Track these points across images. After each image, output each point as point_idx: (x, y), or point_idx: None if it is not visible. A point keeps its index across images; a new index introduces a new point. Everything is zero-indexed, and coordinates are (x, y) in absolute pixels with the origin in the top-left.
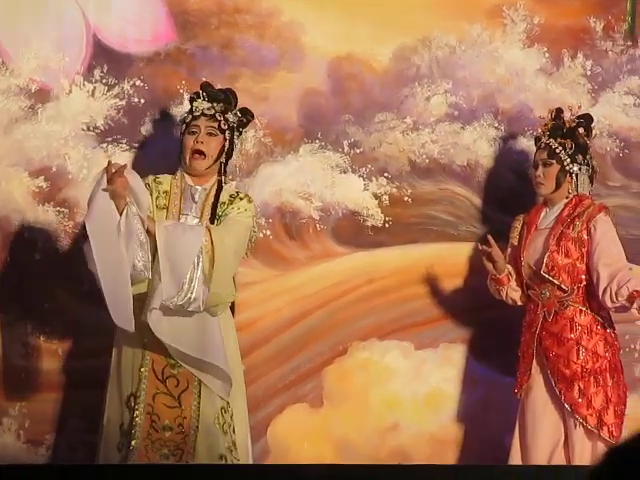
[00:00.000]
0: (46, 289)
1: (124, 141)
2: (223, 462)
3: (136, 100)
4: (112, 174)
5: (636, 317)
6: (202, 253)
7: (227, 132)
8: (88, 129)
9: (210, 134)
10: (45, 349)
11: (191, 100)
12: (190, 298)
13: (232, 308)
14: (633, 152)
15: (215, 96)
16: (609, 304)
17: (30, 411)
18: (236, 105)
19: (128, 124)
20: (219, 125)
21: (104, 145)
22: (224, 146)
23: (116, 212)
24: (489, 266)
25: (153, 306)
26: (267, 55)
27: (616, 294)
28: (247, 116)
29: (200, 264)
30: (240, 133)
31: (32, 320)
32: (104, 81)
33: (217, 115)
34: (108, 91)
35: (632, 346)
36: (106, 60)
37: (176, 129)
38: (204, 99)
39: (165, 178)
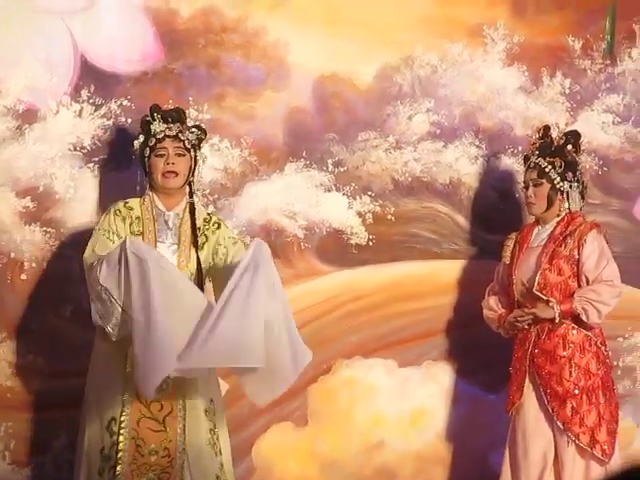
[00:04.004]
0: (32, 309)
1: (111, 161)
2: None
3: (123, 120)
4: None
5: (618, 334)
6: None
7: (191, 151)
8: (75, 149)
9: (178, 154)
10: (31, 369)
11: (147, 123)
12: None
13: None
14: (612, 170)
15: (168, 117)
16: None
17: (16, 432)
18: (187, 122)
19: (115, 144)
20: (184, 145)
21: (91, 165)
22: (191, 165)
23: None
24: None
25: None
26: (253, 74)
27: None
28: (202, 132)
29: None
30: (199, 149)
31: (18, 340)
32: (91, 101)
33: (180, 135)
34: (95, 111)
35: (615, 363)
36: (93, 80)
37: None
38: (159, 121)
39: (134, 202)
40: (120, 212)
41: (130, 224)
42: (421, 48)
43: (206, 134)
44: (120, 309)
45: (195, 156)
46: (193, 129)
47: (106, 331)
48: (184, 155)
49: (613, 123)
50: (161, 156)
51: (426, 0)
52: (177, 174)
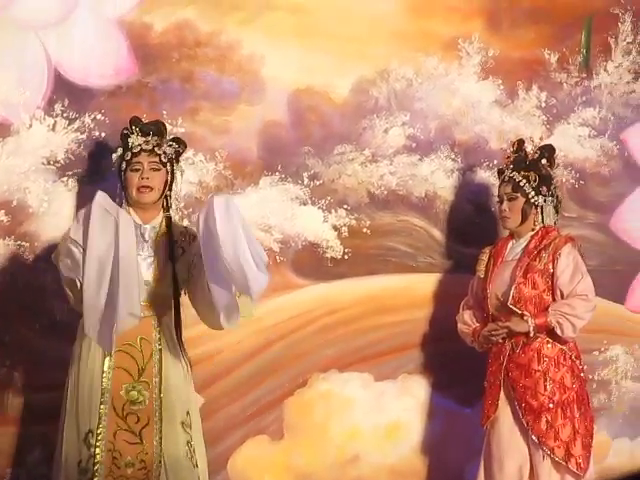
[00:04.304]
0: (6, 322)
1: (85, 175)
2: None
3: (97, 134)
4: None
5: (593, 348)
6: None
7: (168, 165)
8: (49, 163)
9: (153, 169)
10: (5, 383)
11: (125, 136)
12: None
13: (182, 344)
14: (588, 183)
15: (147, 130)
16: None
17: None
18: (166, 135)
19: (89, 158)
20: (160, 159)
21: (65, 179)
22: (167, 179)
23: None
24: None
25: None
26: (227, 88)
27: None
28: (181, 145)
29: None
30: (177, 162)
31: None
32: (65, 115)
33: (156, 149)
34: (69, 125)
35: (590, 376)
36: (67, 94)
37: None
38: (137, 134)
39: None
40: None
41: None
42: (396, 61)
43: (185, 147)
44: None
45: (172, 170)
46: (172, 142)
47: (76, 283)
48: (159, 170)
49: (589, 136)
50: (136, 170)
51: (401, 14)
52: (152, 189)
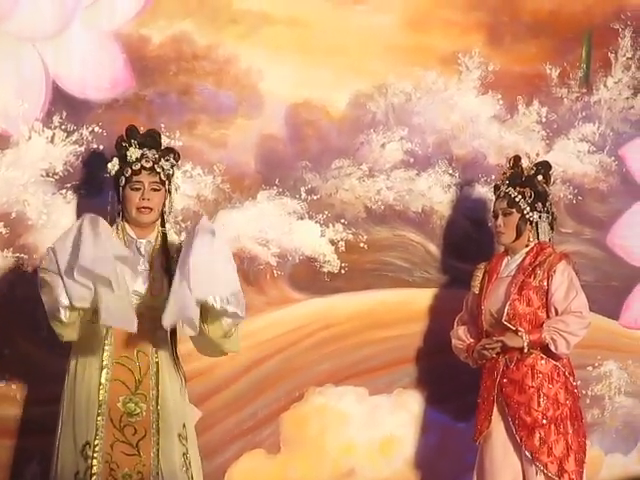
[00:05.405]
0: (5, 335)
1: (83, 187)
2: None
3: (95, 146)
4: None
5: (587, 363)
6: None
7: (166, 183)
8: (47, 175)
9: (154, 189)
10: (3, 395)
11: (122, 148)
12: None
13: (177, 357)
14: (586, 199)
15: (144, 142)
16: None
17: None
18: (162, 145)
19: (87, 170)
20: (160, 177)
21: (63, 191)
22: (165, 197)
23: None
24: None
25: None
26: (225, 101)
27: None
28: (175, 157)
29: None
30: (172, 175)
31: None
32: (63, 127)
33: (157, 167)
34: (67, 137)
35: (584, 392)
36: (65, 106)
37: None
38: (135, 147)
39: None
40: None
41: None
42: (394, 76)
43: (179, 157)
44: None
45: (169, 187)
46: (167, 157)
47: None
48: (159, 190)
49: (588, 152)
50: (137, 189)
51: (399, 28)
52: (152, 209)
